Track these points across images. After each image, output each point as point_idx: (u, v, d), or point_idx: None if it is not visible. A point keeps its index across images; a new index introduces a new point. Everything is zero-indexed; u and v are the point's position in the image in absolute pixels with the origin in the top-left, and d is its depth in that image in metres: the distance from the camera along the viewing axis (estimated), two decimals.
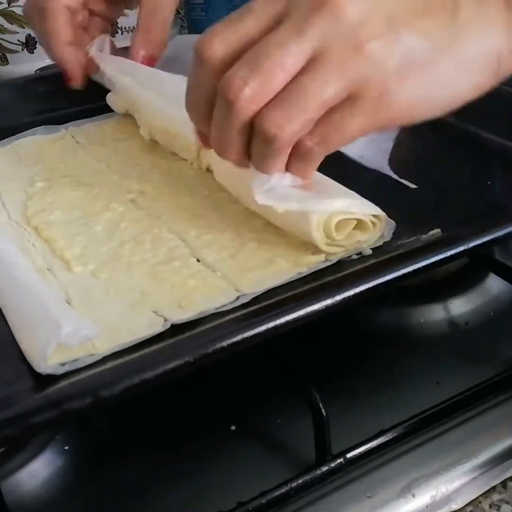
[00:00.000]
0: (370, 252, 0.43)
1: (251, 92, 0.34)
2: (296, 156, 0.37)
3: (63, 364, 0.35)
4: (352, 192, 0.43)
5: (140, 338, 0.37)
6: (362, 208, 0.42)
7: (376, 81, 0.35)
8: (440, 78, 0.37)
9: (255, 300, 0.39)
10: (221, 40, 0.36)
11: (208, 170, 0.53)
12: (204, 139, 0.41)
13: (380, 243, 0.43)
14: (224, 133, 0.37)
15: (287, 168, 0.39)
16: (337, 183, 0.44)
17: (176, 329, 0.38)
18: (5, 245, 0.45)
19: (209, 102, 0.37)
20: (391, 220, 0.43)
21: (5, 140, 0.62)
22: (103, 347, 0.36)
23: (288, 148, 0.37)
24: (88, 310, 0.40)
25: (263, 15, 0.36)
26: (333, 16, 0.34)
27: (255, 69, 0.34)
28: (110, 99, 0.65)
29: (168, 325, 0.38)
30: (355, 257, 0.43)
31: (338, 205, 0.42)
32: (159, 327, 0.38)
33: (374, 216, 0.42)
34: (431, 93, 0.37)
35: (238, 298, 0.40)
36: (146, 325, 0.38)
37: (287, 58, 0.34)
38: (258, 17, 0.36)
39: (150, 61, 0.62)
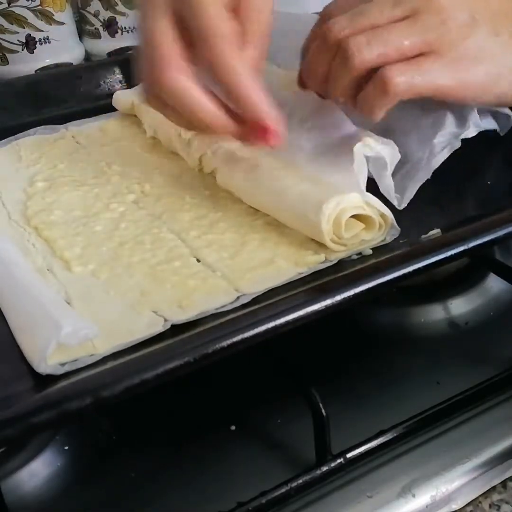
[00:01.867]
0: (370, 252, 0.43)
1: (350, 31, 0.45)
2: (368, 91, 0.44)
3: (63, 364, 0.35)
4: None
5: (140, 338, 0.37)
6: (374, 205, 0.43)
7: (447, 48, 0.44)
8: (498, 71, 0.46)
9: (255, 300, 0.40)
10: (338, 8, 0.47)
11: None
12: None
13: (380, 244, 0.43)
14: (317, 56, 0.47)
15: (359, 100, 0.45)
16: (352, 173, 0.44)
17: (176, 329, 0.38)
18: (5, 245, 0.46)
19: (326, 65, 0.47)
20: (397, 226, 0.44)
21: (5, 140, 0.62)
22: (103, 347, 0.36)
23: (358, 72, 0.44)
24: (88, 310, 0.40)
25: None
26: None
27: (357, 23, 0.45)
28: (117, 97, 0.65)
29: (168, 325, 0.38)
30: (355, 257, 0.43)
31: (352, 198, 0.42)
32: (159, 327, 0.38)
33: (381, 217, 0.43)
34: (486, 79, 0.46)
35: (238, 298, 0.40)
36: (146, 325, 0.38)
37: (382, 15, 0.45)
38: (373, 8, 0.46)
39: None
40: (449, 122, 0.49)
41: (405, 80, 0.43)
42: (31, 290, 0.40)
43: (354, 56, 0.43)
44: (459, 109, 0.49)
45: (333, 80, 0.46)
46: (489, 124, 0.51)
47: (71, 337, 0.35)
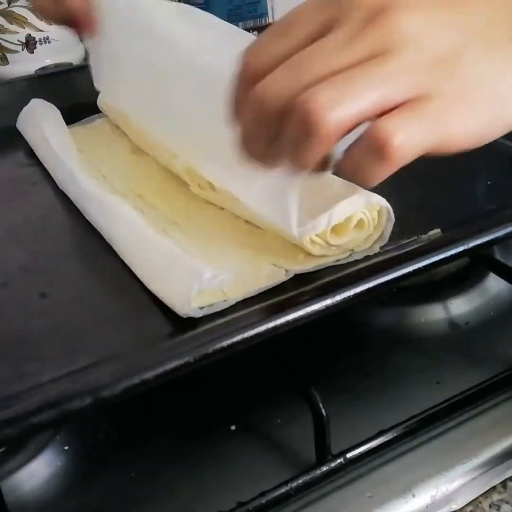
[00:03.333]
0: (377, 249, 0.43)
1: (283, 84, 0.31)
2: (358, 160, 0.32)
3: (201, 308, 0.38)
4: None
5: (268, 286, 0.39)
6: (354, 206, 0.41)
7: (444, 87, 0.31)
8: (499, 101, 0.33)
9: (255, 300, 0.39)
10: (266, 54, 0.33)
11: None
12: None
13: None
14: (256, 126, 0.33)
15: (346, 170, 0.33)
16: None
17: (177, 328, 0.38)
18: (123, 207, 0.47)
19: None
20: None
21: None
22: (234, 295, 0.38)
23: (330, 141, 0.31)
24: (209, 264, 0.41)
25: (311, 25, 0.32)
26: (386, 31, 0.31)
27: (295, 74, 0.31)
28: (101, 106, 0.65)
29: (291, 275, 0.40)
30: (357, 257, 0.43)
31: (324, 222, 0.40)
32: (282, 277, 0.40)
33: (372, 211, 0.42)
34: (487, 117, 0.34)
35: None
36: (268, 276, 0.40)
37: (338, 57, 0.31)
38: (305, 28, 0.32)
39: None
40: None
41: (411, 137, 0.30)
42: (158, 244, 0.42)
43: (324, 122, 0.29)
44: None
45: (294, 156, 0.32)
46: None
47: (210, 282, 0.37)
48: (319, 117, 0.29)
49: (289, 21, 0.33)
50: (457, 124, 0.32)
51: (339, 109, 0.29)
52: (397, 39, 0.31)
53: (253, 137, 0.34)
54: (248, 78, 0.33)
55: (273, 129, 0.32)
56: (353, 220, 0.41)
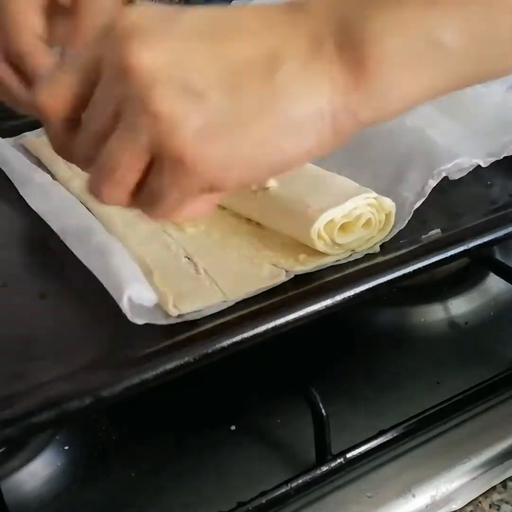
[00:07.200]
0: (378, 249, 0.43)
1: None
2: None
3: (198, 311, 0.38)
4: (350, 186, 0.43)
5: (268, 286, 0.39)
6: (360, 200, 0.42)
7: (173, 143, 0.31)
8: (255, 141, 0.32)
9: (255, 300, 0.39)
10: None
11: None
12: None
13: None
14: None
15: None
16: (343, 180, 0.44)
17: (177, 328, 0.38)
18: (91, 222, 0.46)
19: None
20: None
21: (12, 138, 0.62)
22: (233, 295, 0.39)
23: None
24: (210, 263, 0.41)
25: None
26: (124, 79, 0.31)
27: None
28: None
29: (291, 276, 0.40)
30: (358, 256, 0.43)
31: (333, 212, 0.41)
32: (282, 278, 0.40)
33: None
34: (246, 156, 0.32)
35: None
36: (269, 276, 0.40)
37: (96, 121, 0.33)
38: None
39: None
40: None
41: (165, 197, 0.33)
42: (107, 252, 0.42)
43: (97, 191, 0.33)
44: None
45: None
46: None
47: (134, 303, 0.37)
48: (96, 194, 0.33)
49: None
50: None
51: (104, 189, 0.32)
52: (129, 96, 0.31)
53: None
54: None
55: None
56: (362, 219, 0.41)
